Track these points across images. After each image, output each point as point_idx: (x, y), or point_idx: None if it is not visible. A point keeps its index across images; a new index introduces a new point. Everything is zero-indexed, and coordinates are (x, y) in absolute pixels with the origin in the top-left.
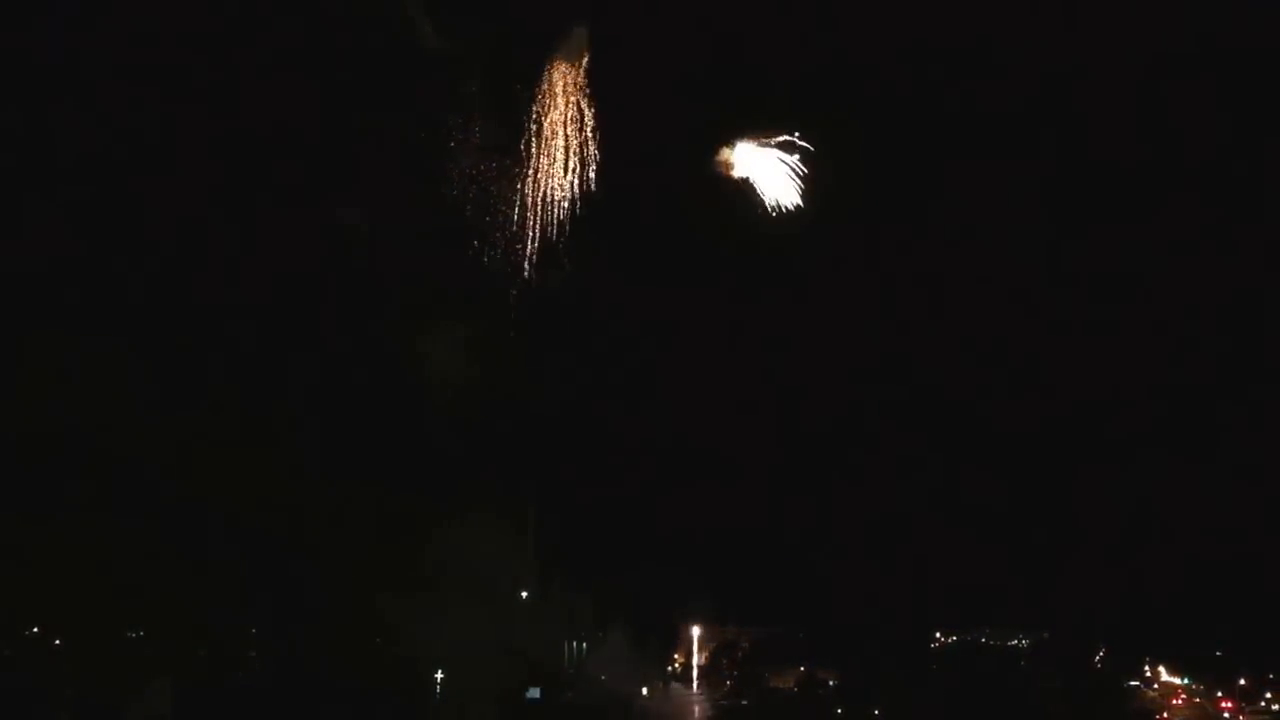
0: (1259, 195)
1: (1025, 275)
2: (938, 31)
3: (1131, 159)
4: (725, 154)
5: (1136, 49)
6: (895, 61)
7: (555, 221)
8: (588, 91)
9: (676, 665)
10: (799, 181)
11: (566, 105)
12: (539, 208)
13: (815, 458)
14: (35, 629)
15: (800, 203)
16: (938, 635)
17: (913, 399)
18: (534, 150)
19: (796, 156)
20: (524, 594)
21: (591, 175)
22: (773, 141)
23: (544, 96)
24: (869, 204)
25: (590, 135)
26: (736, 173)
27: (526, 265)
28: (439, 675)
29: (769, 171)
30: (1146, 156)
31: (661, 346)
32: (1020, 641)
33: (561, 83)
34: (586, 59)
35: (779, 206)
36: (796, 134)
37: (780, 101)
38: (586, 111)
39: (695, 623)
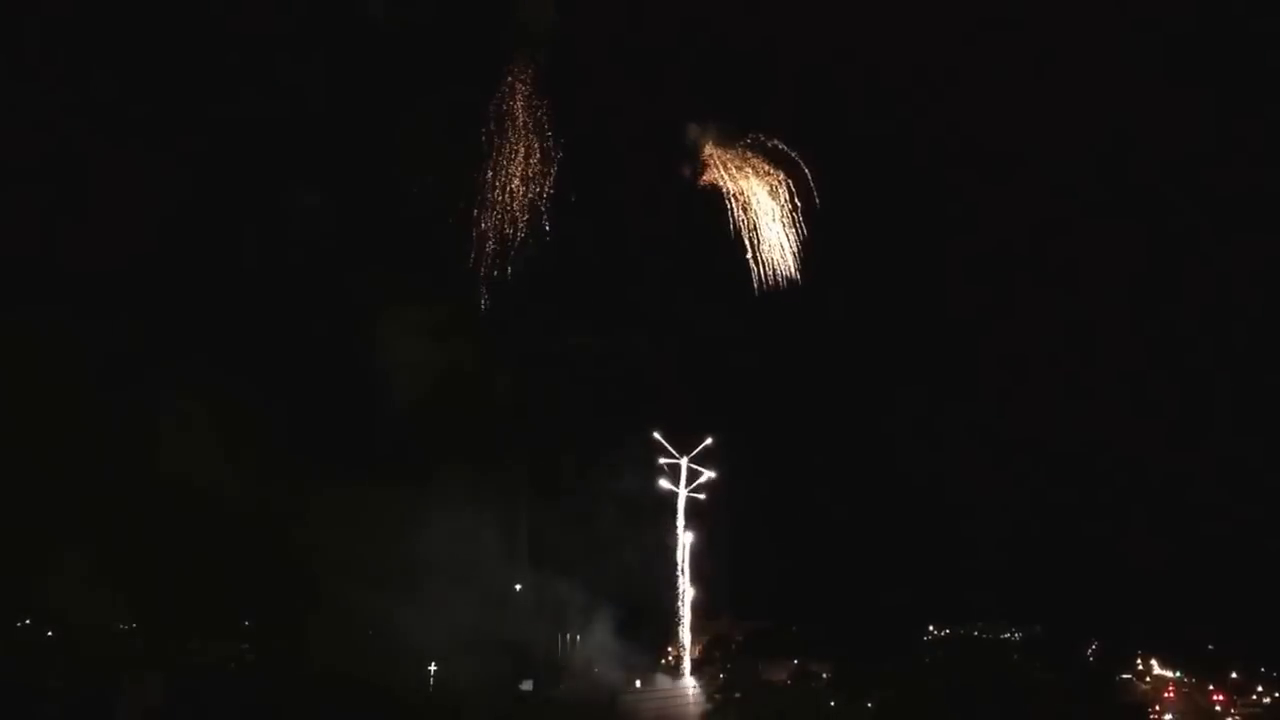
0: None
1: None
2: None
3: None
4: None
5: None
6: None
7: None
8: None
9: (670, 658)
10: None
11: (528, 103)
12: (505, 197)
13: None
14: (26, 621)
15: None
16: (931, 628)
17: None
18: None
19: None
20: (517, 586)
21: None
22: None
23: (507, 90)
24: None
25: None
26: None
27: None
28: (432, 668)
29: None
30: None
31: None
32: (1013, 635)
33: (523, 77)
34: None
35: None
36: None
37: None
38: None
39: (689, 615)
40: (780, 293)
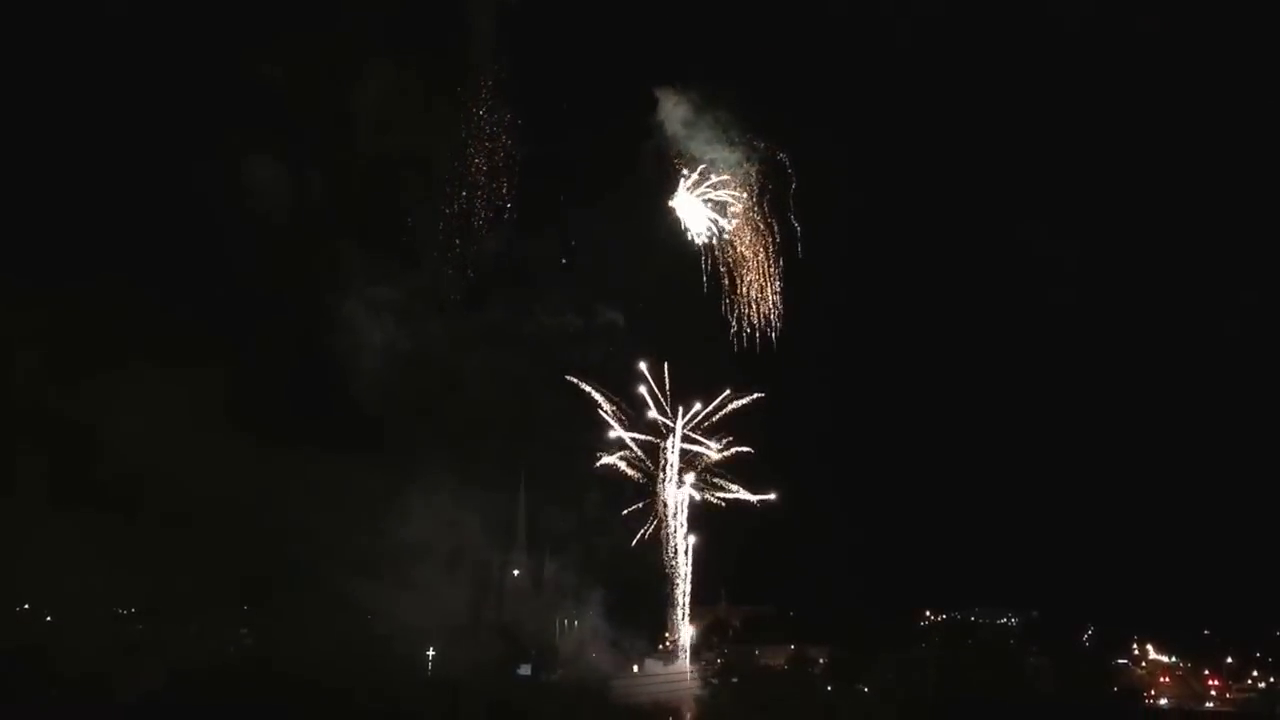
0: None
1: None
2: None
3: None
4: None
5: None
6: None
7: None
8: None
9: (668, 643)
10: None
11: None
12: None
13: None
14: (26, 605)
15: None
16: (928, 613)
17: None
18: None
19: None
20: (515, 572)
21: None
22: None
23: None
24: None
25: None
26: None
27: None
28: (430, 652)
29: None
30: None
31: None
32: (1009, 620)
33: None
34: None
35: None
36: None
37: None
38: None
39: (687, 601)
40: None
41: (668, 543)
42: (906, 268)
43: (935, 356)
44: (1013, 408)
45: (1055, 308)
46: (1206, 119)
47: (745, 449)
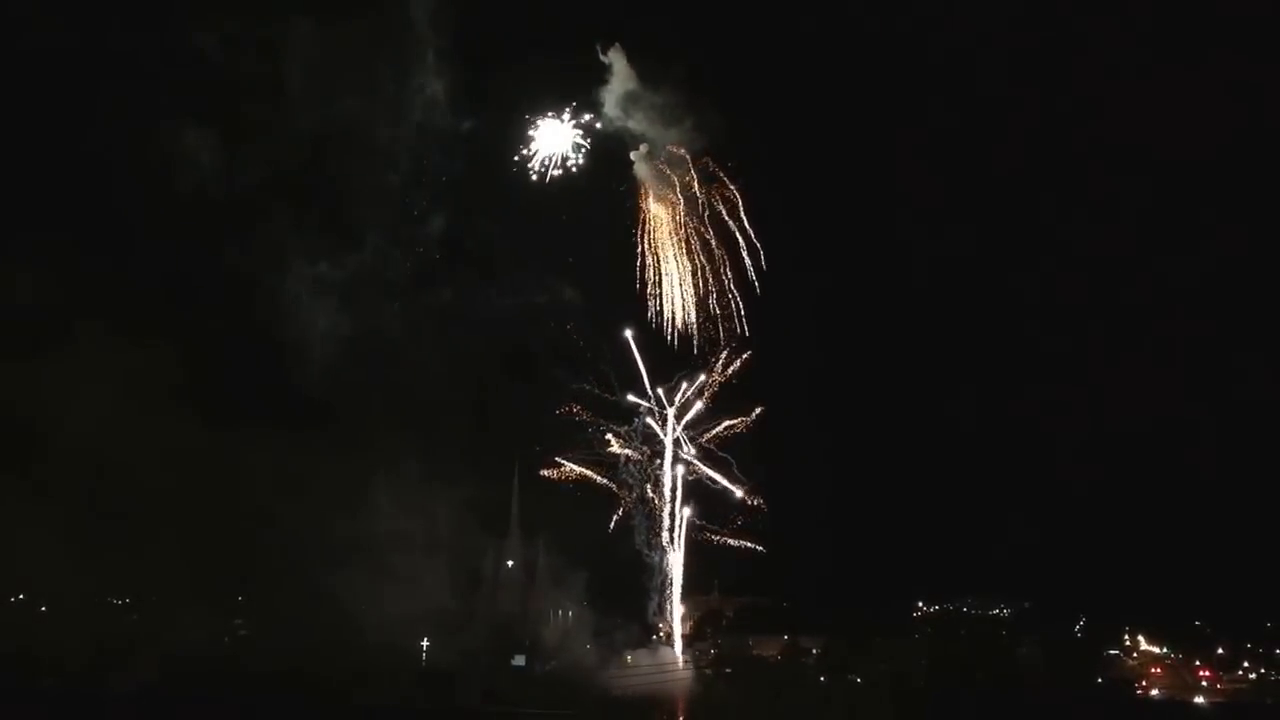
0: None
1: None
2: None
3: None
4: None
5: None
6: None
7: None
8: None
9: (662, 633)
10: None
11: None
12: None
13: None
14: (20, 596)
15: None
16: (921, 604)
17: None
18: None
19: None
20: (509, 563)
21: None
22: None
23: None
24: None
25: None
26: None
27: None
28: (425, 643)
29: None
30: None
31: None
32: (1002, 611)
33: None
34: None
35: None
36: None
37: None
38: None
39: (681, 591)
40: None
41: (660, 531)
42: (895, 258)
43: (926, 345)
44: (1004, 398)
45: (1043, 291)
46: None
47: (738, 421)
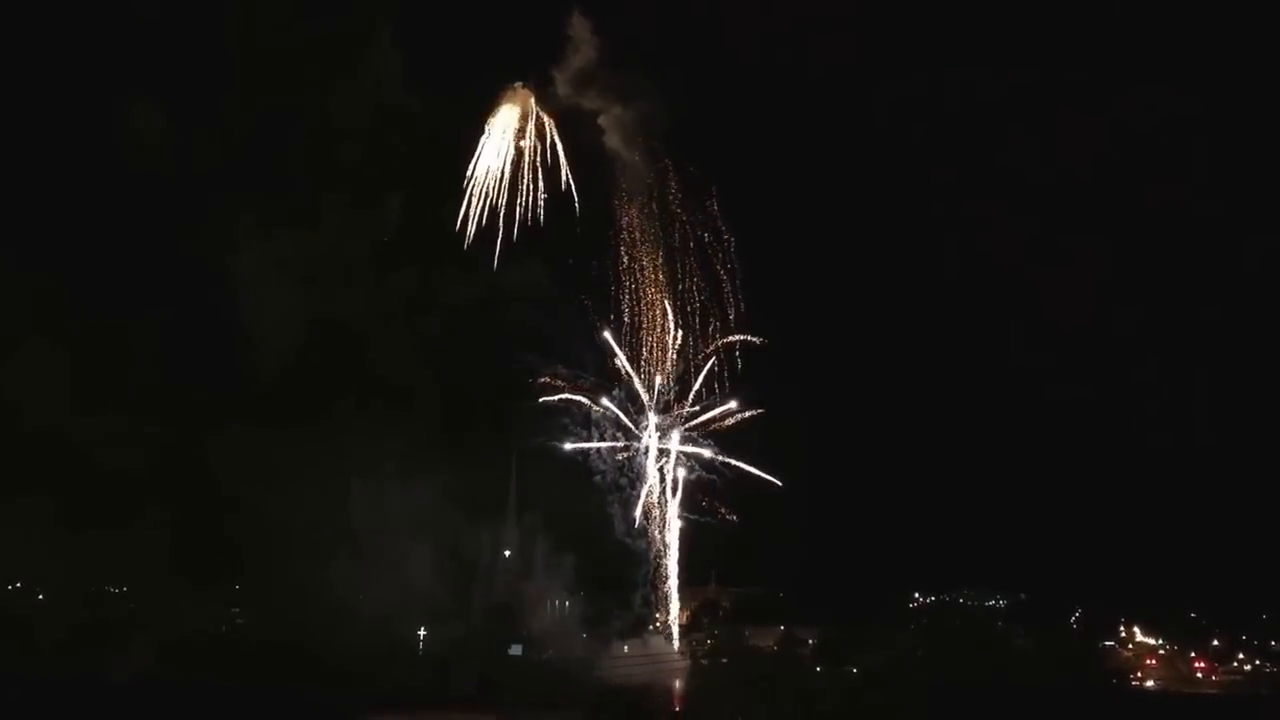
0: None
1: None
2: None
3: None
4: None
5: None
6: None
7: None
8: None
9: (659, 623)
10: None
11: None
12: None
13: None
14: (17, 584)
15: None
16: (916, 595)
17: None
18: None
19: None
20: (507, 553)
21: None
22: None
23: None
24: None
25: None
26: None
27: None
28: (422, 632)
29: None
30: None
31: None
32: (997, 602)
33: None
34: None
35: None
36: None
37: None
38: None
39: (678, 582)
40: None
41: (657, 521)
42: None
43: (922, 337)
44: (1000, 389)
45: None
46: None
47: (741, 409)
